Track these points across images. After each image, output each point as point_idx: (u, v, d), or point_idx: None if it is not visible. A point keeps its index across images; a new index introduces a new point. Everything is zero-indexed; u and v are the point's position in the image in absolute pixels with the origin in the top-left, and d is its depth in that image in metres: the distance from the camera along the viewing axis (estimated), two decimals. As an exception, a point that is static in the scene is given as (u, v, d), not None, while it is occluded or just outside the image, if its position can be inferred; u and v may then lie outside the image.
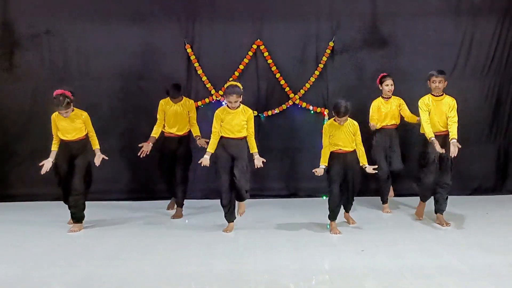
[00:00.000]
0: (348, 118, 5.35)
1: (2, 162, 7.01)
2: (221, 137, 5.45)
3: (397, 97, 6.37)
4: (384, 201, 6.40)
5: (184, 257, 4.74)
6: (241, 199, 5.51)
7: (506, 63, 7.19)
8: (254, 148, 5.49)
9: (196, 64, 7.04)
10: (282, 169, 7.24)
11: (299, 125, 7.22)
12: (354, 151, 5.41)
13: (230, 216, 5.58)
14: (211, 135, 5.47)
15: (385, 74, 6.36)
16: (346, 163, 5.39)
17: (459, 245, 5.00)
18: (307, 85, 7.13)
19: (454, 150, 5.34)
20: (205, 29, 7.04)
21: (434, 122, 5.59)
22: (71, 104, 5.41)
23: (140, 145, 5.97)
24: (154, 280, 4.23)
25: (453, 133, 5.43)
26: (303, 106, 7.13)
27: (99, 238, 5.38)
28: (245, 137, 5.48)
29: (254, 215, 5.97)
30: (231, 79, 7.03)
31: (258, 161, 5.42)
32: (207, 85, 7.04)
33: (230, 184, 5.45)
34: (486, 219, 5.91)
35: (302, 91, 7.14)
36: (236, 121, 5.40)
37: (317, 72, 7.11)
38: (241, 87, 5.40)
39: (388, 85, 6.28)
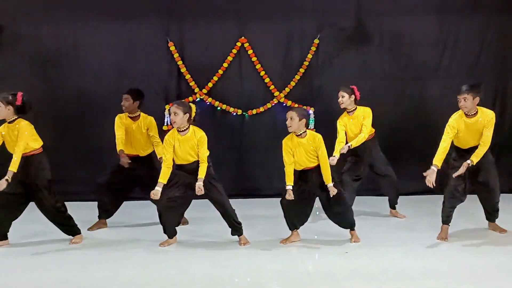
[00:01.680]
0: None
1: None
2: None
3: (363, 108, 5.71)
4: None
5: (163, 261, 4.65)
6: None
7: (493, 62, 7.14)
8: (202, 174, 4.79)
9: (179, 62, 6.93)
10: (266, 169, 7.15)
11: (285, 124, 7.14)
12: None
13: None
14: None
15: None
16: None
17: (443, 247, 4.97)
18: (292, 83, 7.07)
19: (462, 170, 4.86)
20: (187, 26, 6.95)
21: (466, 141, 5.06)
22: (9, 106, 4.74)
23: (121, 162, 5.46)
24: (132, 284, 4.14)
25: (474, 156, 4.87)
26: (288, 105, 7.06)
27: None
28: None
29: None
30: (215, 77, 6.96)
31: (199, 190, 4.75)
32: (191, 84, 6.94)
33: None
34: (470, 219, 5.87)
35: (287, 89, 7.07)
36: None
37: (302, 70, 7.05)
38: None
39: (338, 98, 5.67)
